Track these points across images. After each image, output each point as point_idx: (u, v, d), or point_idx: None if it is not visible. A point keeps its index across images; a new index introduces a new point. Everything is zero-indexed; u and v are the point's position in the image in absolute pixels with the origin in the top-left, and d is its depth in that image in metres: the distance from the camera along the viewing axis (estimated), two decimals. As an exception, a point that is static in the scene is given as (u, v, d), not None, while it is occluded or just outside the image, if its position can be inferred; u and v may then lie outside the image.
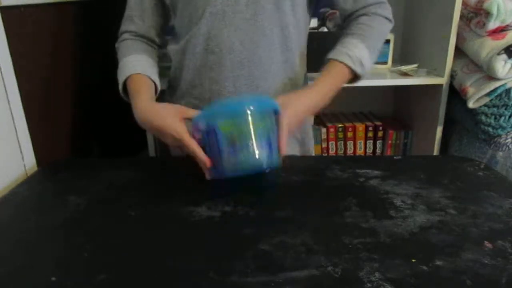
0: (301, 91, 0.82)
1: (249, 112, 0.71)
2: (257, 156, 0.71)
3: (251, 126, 0.72)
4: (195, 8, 0.81)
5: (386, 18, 0.87)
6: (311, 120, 1.24)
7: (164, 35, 0.97)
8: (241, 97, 0.84)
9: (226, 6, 0.80)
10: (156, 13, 0.91)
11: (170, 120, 0.73)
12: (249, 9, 0.80)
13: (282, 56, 0.85)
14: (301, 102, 0.78)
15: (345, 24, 0.90)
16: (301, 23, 0.88)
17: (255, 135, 0.72)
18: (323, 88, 0.81)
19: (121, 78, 0.85)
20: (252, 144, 0.71)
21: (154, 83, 0.86)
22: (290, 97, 0.78)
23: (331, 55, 0.83)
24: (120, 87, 0.85)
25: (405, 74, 1.44)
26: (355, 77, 0.84)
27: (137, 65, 0.85)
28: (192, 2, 0.82)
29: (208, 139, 0.73)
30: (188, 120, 0.76)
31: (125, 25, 0.93)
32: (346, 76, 0.83)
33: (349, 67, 0.81)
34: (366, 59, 0.82)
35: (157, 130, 0.76)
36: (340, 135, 1.66)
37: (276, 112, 0.76)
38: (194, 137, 0.74)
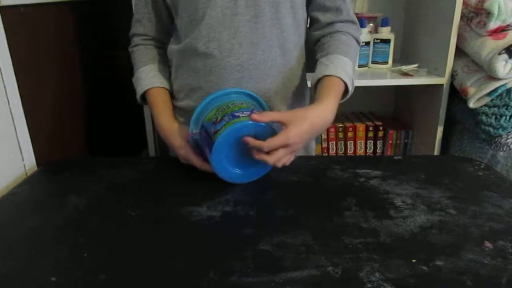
0: (309, 109, 0.75)
1: (225, 92, 0.77)
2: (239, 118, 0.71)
3: (229, 101, 0.75)
4: (195, 10, 0.81)
5: (357, 40, 0.89)
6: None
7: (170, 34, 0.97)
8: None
9: (226, 9, 0.80)
10: (163, 14, 0.92)
11: (179, 143, 0.83)
12: (248, 11, 0.80)
13: (281, 57, 0.85)
14: (308, 122, 0.72)
15: (319, 33, 0.89)
16: (300, 24, 0.88)
17: (234, 106, 0.73)
18: (331, 106, 0.76)
19: (140, 89, 0.91)
20: (232, 112, 0.72)
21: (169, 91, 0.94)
22: (296, 115, 0.72)
23: (329, 71, 0.79)
24: (139, 96, 0.92)
25: (405, 74, 1.44)
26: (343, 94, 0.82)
27: (153, 77, 0.91)
28: (192, 4, 0.81)
29: (202, 138, 0.75)
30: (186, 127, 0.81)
31: (135, 28, 0.94)
32: (342, 92, 0.80)
33: (344, 83, 0.79)
34: (353, 77, 0.82)
35: (172, 148, 0.86)
36: (340, 135, 1.66)
37: (260, 104, 0.80)
38: (194, 142, 0.79)
